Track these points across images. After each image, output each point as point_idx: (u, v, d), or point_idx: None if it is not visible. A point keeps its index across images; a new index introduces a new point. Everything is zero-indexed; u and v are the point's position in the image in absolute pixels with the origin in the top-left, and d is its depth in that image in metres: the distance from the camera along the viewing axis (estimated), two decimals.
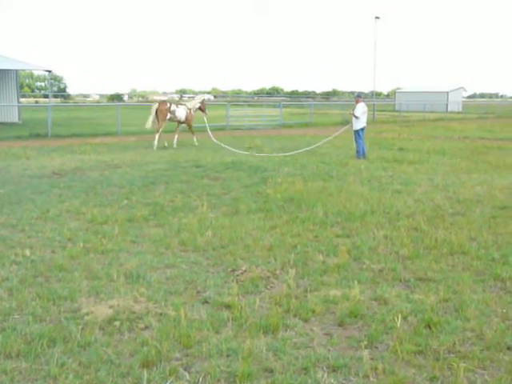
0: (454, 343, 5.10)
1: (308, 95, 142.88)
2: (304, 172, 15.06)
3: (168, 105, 22.97)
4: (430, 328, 5.41)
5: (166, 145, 22.66)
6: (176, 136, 23.13)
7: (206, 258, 7.55)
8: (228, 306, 5.86)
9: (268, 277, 6.82)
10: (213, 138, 22.58)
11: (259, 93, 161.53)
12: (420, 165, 17.20)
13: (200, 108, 23.96)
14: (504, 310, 5.87)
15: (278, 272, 6.99)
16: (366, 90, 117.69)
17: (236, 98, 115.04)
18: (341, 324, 5.55)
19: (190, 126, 23.84)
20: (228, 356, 4.82)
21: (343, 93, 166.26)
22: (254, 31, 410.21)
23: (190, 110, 23.48)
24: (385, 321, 5.55)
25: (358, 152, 18.95)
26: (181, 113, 22.98)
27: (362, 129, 19.33)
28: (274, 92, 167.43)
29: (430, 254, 7.77)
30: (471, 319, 5.63)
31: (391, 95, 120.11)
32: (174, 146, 22.55)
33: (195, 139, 23.42)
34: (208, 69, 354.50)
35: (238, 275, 6.84)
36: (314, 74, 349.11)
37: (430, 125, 41.08)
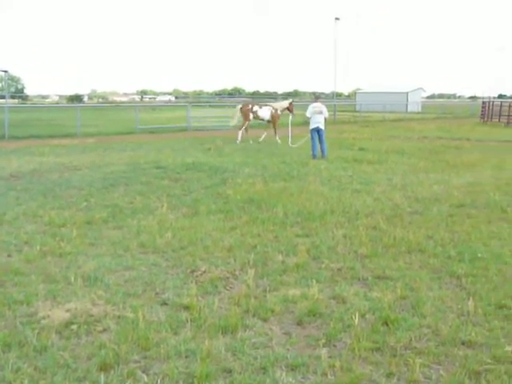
0: (411, 339, 5.17)
1: (270, 96, 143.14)
2: (265, 172, 15.09)
3: (250, 106, 25.95)
4: (387, 325, 5.47)
5: (250, 142, 24.83)
6: (265, 133, 25.69)
7: (165, 260, 7.51)
8: (187, 307, 5.84)
9: (227, 277, 6.82)
10: (290, 143, 23.01)
11: (221, 93, 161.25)
12: (379, 164, 17.38)
13: (288, 109, 25.86)
14: (459, 306, 5.97)
15: (237, 272, 7.00)
16: (327, 90, 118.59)
17: (198, 99, 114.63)
18: (300, 323, 5.58)
19: (274, 125, 25.67)
20: (186, 357, 4.81)
21: (304, 93, 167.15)
22: (216, 32, 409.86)
23: (275, 110, 25.79)
24: (343, 319, 5.59)
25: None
26: (264, 113, 25.62)
27: (313, 129, 19.54)
28: (235, 93, 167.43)
29: (388, 253, 7.86)
30: (427, 316, 5.72)
31: (352, 96, 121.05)
32: (260, 139, 25.22)
33: (277, 138, 24.98)
34: (169, 70, 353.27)
35: (197, 276, 6.82)
36: (276, 74, 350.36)
37: (390, 125, 41.55)
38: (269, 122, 25.91)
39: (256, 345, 5.08)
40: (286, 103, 26.62)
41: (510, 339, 5.20)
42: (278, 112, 25.89)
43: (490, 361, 4.78)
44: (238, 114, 25.96)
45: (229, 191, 12.14)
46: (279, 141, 24.72)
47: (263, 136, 25.62)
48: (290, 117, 25.52)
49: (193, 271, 7.01)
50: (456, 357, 4.88)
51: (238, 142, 24.55)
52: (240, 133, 25.02)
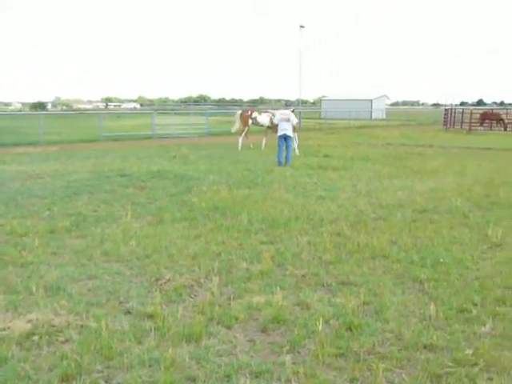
0: (374, 344, 5.22)
1: (235, 103, 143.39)
2: (229, 180, 15.08)
3: (249, 112, 26.63)
4: (350, 331, 5.51)
5: (251, 146, 25.60)
6: (264, 139, 25.86)
7: (129, 268, 7.46)
8: (151, 316, 5.81)
9: (192, 285, 6.80)
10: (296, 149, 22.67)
11: (186, 101, 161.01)
12: (344, 171, 17.51)
13: None
14: (422, 311, 6.04)
15: (201, 280, 6.97)
16: (293, 97, 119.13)
17: (163, 107, 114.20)
18: (264, 330, 5.59)
19: (274, 131, 25.16)
20: (150, 366, 4.78)
21: (270, 100, 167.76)
22: (181, 39, 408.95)
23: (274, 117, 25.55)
24: (307, 325, 5.61)
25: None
26: (263, 119, 26.00)
27: (280, 136, 19.61)
28: (201, 100, 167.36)
29: (352, 259, 7.92)
30: (390, 320, 5.78)
31: (317, 103, 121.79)
32: (262, 147, 25.21)
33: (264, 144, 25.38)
34: (134, 77, 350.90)
35: (161, 284, 6.78)
36: (242, 81, 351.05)
37: (355, 132, 41.93)
38: (268, 128, 26.07)
39: (220, 352, 5.08)
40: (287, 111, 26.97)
41: (470, 342, 5.29)
42: None
43: (451, 364, 4.85)
44: (238, 120, 26.48)
45: (194, 199, 12.10)
46: (264, 147, 25.17)
47: (263, 142, 25.77)
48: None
49: (157, 279, 6.97)
50: (418, 361, 4.94)
51: (239, 148, 24.85)
52: (240, 139, 25.47)
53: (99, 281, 6.94)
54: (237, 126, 26.75)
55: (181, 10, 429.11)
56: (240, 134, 25.90)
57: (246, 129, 26.07)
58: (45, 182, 14.73)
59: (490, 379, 4.64)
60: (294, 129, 20.83)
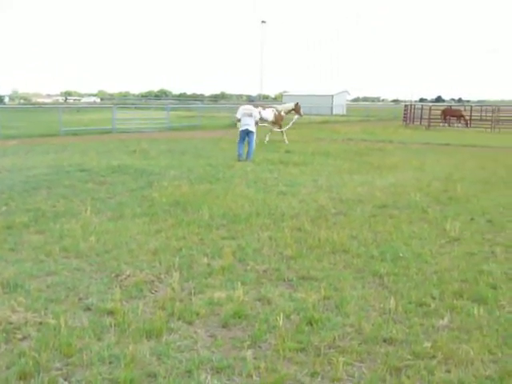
0: (334, 338, 5.25)
1: (196, 98, 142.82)
2: (190, 175, 15.01)
3: None
4: (311, 325, 5.54)
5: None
6: (268, 134, 26.55)
7: (88, 264, 7.36)
8: (111, 312, 5.75)
9: (152, 281, 6.75)
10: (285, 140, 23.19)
11: (147, 95, 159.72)
12: (305, 166, 17.58)
13: (294, 110, 27.25)
14: (381, 305, 6.11)
15: (162, 276, 6.93)
16: (254, 93, 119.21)
17: (123, 101, 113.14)
18: (225, 325, 5.58)
19: (278, 126, 26.75)
20: (110, 363, 4.73)
21: (231, 96, 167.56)
22: (141, 32, 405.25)
23: (278, 112, 26.75)
24: (268, 320, 5.62)
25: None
26: (267, 114, 26.21)
27: (242, 131, 19.67)
28: (162, 95, 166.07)
29: (312, 254, 7.96)
30: (351, 315, 5.83)
31: (278, 98, 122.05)
32: (265, 141, 25.70)
33: (285, 138, 26.17)
34: (94, 71, 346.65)
35: (121, 280, 6.72)
36: (203, 76, 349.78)
37: (316, 127, 42.14)
38: (273, 123, 26.63)
39: (181, 348, 5.06)
40: (291, 105, 27.93)
41: (428, 335, 5.37)
42: (282, 113, 26.94)
43: (409, 357, 4.92)
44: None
45: (154, 194, 12.02)
46: (287, 141, 25.80)
47: (267, 137, 26.26)
48: (296, 117, 27.48)
49: (117, 275, 6.90)
50: (378, 354, 5.00)
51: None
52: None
53: (58, 277, 6.84)
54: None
55: (141, 3, 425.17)
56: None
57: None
58: (2, 177, 14.46)
59: (448, 371, 4.71)
60: (257, 124, 20.85)
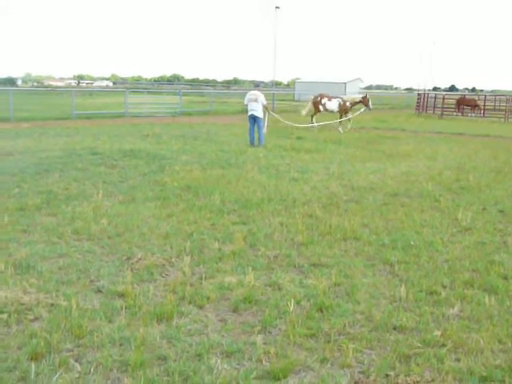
0: (345, 325, 5.26)
1: (208, 83, 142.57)
2: (202, 160, 15.02)
3: (319, 98, 27.18)
4: (321, 312, 5.55)
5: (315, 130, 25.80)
6: (340, 124, 26.35)
7: (100, 247, 7.40)
8: (122, 295, 5.78)
9: (163, 264, 6.78)
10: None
11: (160, 80, 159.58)
12: (317, 153, 17.54)
13: (362, 102, 26.96)
14: (392, 292, 6.11)
15: (173, 260, 6.96)
16: (267, 79, 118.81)
17: (136, 85, 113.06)
18: (235, 310, 5.60)
19: (340, 116, 26.74)
20: (121, 345, 4.76)
21: (244, 81, 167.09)
22: (155, 17, 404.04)
23: (344, 102, 26.84)
24: (278, 306, 5.64)
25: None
26: (333, 105, 26.78)
27: (250, 116, 19.73)
28: (174, 79, 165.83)
29: (323, 240, 7.96)
30: (361, 302, 5.83)
31: (291, 85, 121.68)
32: (341, 131, 25.72)
33: (340, 128, 26.03)
34: (107, 55, 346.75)
35: (132, 263, 6.75)
36: (216, 62, 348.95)
37: (327, 114, 41.92)
38: (339, 113, 26.82)
39: (191, 332, 5.08)
40: (358, 97, 28.20)
41: (438, 324, 5.36)
42: (347, 104, 26.88)
43: (419, 345, 4.92)
44: (310, 105, 27.56)
45: (166, 178, 12.04)
46: (341, 130, 25.84)
47: (340, 128, 26.23)
48: (362, 109, 27.06)
49: (128, 258, 6.93)
50: (388, 341, 5.00)
51: (315, 127, 26.25)
52: (313, 120, 26.78)
53: (70, 259, 6.88)
54: (305, 110, 27.89)
55: None
56: (312, 118, 27.02)
57: (316, 113, 27.07)
58: (15, 159, 14.52)
59: (458, 360, 4.71)
60: (266, 109, 20.79)
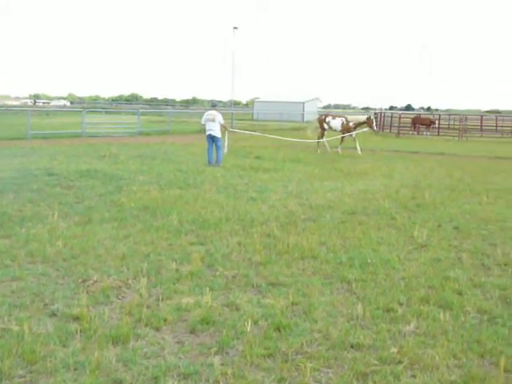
0: (302, 344, 5.25)
1: (167, 103, 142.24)
2: (160, 180, 14.94)
3: (323, 117, 27.91)
4: (279, 331, 5.53)
5: (318, 151, 26.33)
6: (340, 145, 26.61)
7: (55, 270, 7.26)
8: (77, 318, 5.67)
9: (120, 286, 6.69)
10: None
11: (118, 99, 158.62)
12: (275, 172, 17.62)
13: (366, 123, 26.90)
14: (349, 310, 6.13)
15: (130, 281, 6.87)
16: (226, 98, 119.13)
17: (93, 105, 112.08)
18: (193, 331, 5.55)
19: (342, 135, 26.84)
20: (75, 370, 4.66)
21: (203, 101, 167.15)
22: (113, 36, 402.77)
23: (347, 122, 26.99)
24: (236, 326, 5.61)
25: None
26: (336, 123, 26.95)
27: (207, 136, 19.81)
28: (133, 99, 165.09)
29: (281, 260, 7.97)
30: (319, 320, 5.84)
31: (250, 104, 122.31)
32: (340, 152, 26.03)
33: (339, 149, 26.30)
34: (64, 74, 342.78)
35: (88, 286, 6.65)
36: (174, 81, 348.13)
37: (287, 133, 42.13)
38: (342, 132, 26.88)
39: (148, 354, 5.01)
40: (362, 118, 28.35)
41: (395, 341, 5.40)
42: (350, 124, 26.93)
43: (376, 362, 4.94)
44: (316, 123, 28.46)
45: (123, 199, 11.93)
46: (340, 152, 25.92)
47: (339, 149, 26.36)
48: (366, 129, 27.25)
49: (84, 281, 6.82)
50: (345, 360, 5.01)
51: (328, 150, 26.43)
52: (324, 141, 26.98)
53: (23, 282, 6.73)
54: (311, 129, 28.94)
55: (113, 6, 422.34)
56: (318, 137, 27.45)
57: (322, 132, 27.31)
58: None
59: (414, 376, 4.75)
60: (225, 128, 20.82)
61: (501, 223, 10.92)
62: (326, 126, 27.11)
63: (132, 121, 42.60)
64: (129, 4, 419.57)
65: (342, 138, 26.67)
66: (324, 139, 27.00)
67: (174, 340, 5.36)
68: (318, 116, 28.49)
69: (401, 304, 6.40)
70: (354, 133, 26.59)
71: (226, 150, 20.60)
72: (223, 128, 20.34)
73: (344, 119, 27.34)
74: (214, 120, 19.78)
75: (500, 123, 53.20)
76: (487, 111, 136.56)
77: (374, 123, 27.20)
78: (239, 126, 46.83)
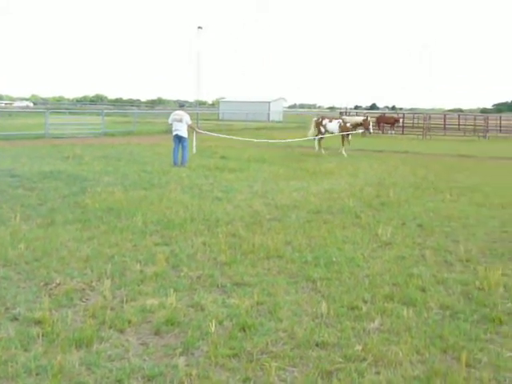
0: (267, 344, 5.26)
1: (133, 103, 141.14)
2: (125, 181, 14.83)
3: (320, 119, 27.23)
4: (244, 331, 5.53)
5: (322, 152, 26.14)
6: (343, 147, 25.94)
7: (17, 273, 7.14)
8: (39, 322, 5.59)
9: (83, 289, 6.61)
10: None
11: (82, 100, 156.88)
12: (241, 172, 17.61)
13: (363, 125, 26.75)
14: (314, 309, 6.15)
15: (94, 283, 6.80)
16: (191, 98, 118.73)
17: (57, 106, 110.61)
18: (157, 333, 5.51)
19: (342, 139, 26.30)
20: (37, 374, 4.60)
21: (168, 101, 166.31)
22: (77, 35, 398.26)
23: (345, 123, 26.59)
24: (201, 327, 5.59)
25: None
26: (333, 126, 26.49)
27: (174, 136, 19.78)
28: (97, 100, 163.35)
29: (246, 259, 7.96)
30: (284, 320, 5.85)
31: (215, 104, 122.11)
32: (344, 155, 25.13)
33: (344, 150, 25.57)
34: (27, 74, 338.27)
35: (51, 289, 6.56)
36: (140, 81, 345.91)
37: (252, 133, 42.13)
38: (341, 134, 26.38)
39: (112, 357, 4.96)
40: (359, 119, 27.80)
41: (359, 338, 5.43)
42: (348, 125, 26.52)
43: (341, 360, 4.97)
44: (313, 126, 27.62)
45: (87, 200, 11.79)
46: (345, 154, 25.28)
47: (343, 150, 25.80)
48: (360, 131, 27.20)
49: (46, 284, 6.73)
50: (310, 358, 5.03)
51: (316, 150, 26.62)
52: (316, 143, 27.00)
53: None
54: (310, 131, 27.76)
55: (77, 6, 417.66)
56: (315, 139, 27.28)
57: (319, 134, 26.97)
58: None
59: (378, 373, 4.79)
60: (193, 129, 20.80)
61: (463, 220, 11.08)
62: (322, 130, 26.78)
63: (97, 121, 42.16)
64: (93, 4, 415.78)
65: (343, 139, 26.18)
66: (314, 137, 27.11)
67: (138, 342, 5.32)
68: (315, 118, 27.99)
69: (365, 302, 6.44)
70: (350, 133, 26.52)
71: (194, 151, 20.61)
72: (190, 128, 20.30)
73: (341, 121, 27.07)
74: (181, 120, 19.72)
75: (462, 122, 54.05)
76: (450, 110, 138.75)
77: (371, 125, 27.04)
78: (205, 127, 46.68)
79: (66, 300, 6.26)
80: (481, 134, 47.94)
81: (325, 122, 26.93)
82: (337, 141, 26.95)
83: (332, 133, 26.74)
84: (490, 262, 8.15)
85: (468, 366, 4.95)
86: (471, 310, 6.29)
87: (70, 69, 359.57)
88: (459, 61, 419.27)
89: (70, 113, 59.79)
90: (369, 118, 27.45)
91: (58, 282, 6.76)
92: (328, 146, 26.99)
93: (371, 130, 27.65)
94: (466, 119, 56.17)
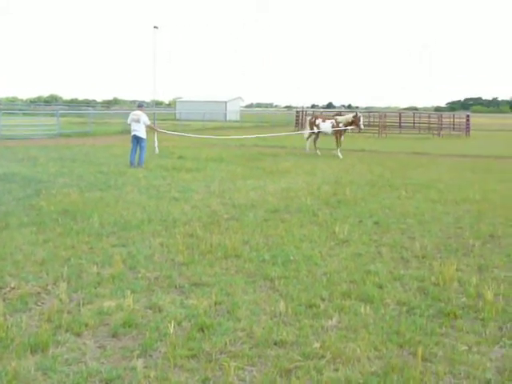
0: (226, 344, 5.26)
1: (88, 104, 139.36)
2: (80, 183, 14.64)
3: (313, 119, 27.29)
4: (202, 331, 5.52)
5: (318, 153, 26.13)
6: (338, 147, 25.66)
7: None
8: None
9: (39, 292, 6.51)
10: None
11: (36, 101, 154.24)
12: (198, 172, 17.57)
13: (353, 122, 25.95)
14: (272, 308, 6.17)
15: (49, 287, 6.70)
16: (148, 98, 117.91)
17: (10, 106, 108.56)
18: (115, 335, 5.46)
19: (336, 139, 26.07)
20: None
21: (125, 101, 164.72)
22: (32, 35, 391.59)
23: (337, 123, 26.09)
24: (159, 328, 5.56)
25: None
26: (325, 127, 26.29)
27: (132, 136, 19.65)
28: (52, 100, 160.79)
29: (204, 259, 7.94)
30: (242, 319, 5.86)
31: (172, 104, 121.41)
32: (340, 156, 24.92)
33: (339, 151, 25.27)
34: None
35: (5, 293, 6.43)
36: (95, 81, 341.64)
37: (209, 133, 42.07)
38: (334, 134, 26.17)
39: (68, 361, 4.90)
40: (350, 116, 26.77)
41: (318, 336, 5.48)
42: (341, 125, 26.07)
43: (299, 358, 5.00)
44: (307, 125, 27.64)
45: (42, 202, 11.61)
46: (340, 155, 24.97)
47: (338, 152, 25.43)
48: (349, 128, 26.60)
49: (0, 288, 6.60)
50: (269, 357, 5.04)
51: (306, 151, 26.89)
52: (307, 143, 27.18)
53: None
54: (307, 131, 27.65)
55: (32, 4, 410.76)
56: (307, 139, 27.43)
57: (312, 134, 26.93)
58: None
59: (336, 370, 4.83)
60: (152, 129, 20.70)
61: (419, 217, 11.25)
62: (315, 129, 26.65)
63: (51, 122, 41.51)
64: (48, 2, 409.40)
65: (337, 140, 25.93)
66: (307, 141, 27.11)
67: (95, 345, 5.26)
68: (308, 118, 27.94)
69: (323, 299, 6.49)
70: (345, 129, 26.37)
71: (157, 151, 20.59)
72: (149, 128, 20.17)
73: (334, 121, 26.61)
74: (138, 121, 19.55)
75: (417, 120, 54.85)
76: (405, 108, 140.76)
77: (361, 121, 26.59)
78: (162, 127, 46.47)
79: (21, 304, 6.15)
80: (435, 132, 48.79)
81: (318, 121, 26.92)
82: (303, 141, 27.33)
83: (325, 133, 26.77)
84: (444, 258, 8.30)
85: (424, 360, 5.03)
86: (427, 305, 6.39)
87: (23, 69, 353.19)
88: (414, 60, 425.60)
89: (23, 114, 58.74)
90: (358, 114, 26.89)
91: (12, 286, 6.64)
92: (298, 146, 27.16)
93: (362, 127, 27.28)
94: (420, 117, 57.00)
